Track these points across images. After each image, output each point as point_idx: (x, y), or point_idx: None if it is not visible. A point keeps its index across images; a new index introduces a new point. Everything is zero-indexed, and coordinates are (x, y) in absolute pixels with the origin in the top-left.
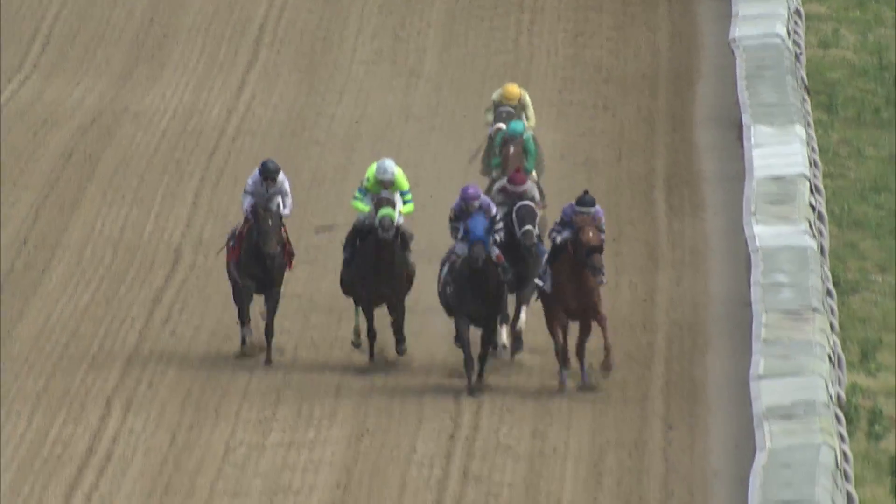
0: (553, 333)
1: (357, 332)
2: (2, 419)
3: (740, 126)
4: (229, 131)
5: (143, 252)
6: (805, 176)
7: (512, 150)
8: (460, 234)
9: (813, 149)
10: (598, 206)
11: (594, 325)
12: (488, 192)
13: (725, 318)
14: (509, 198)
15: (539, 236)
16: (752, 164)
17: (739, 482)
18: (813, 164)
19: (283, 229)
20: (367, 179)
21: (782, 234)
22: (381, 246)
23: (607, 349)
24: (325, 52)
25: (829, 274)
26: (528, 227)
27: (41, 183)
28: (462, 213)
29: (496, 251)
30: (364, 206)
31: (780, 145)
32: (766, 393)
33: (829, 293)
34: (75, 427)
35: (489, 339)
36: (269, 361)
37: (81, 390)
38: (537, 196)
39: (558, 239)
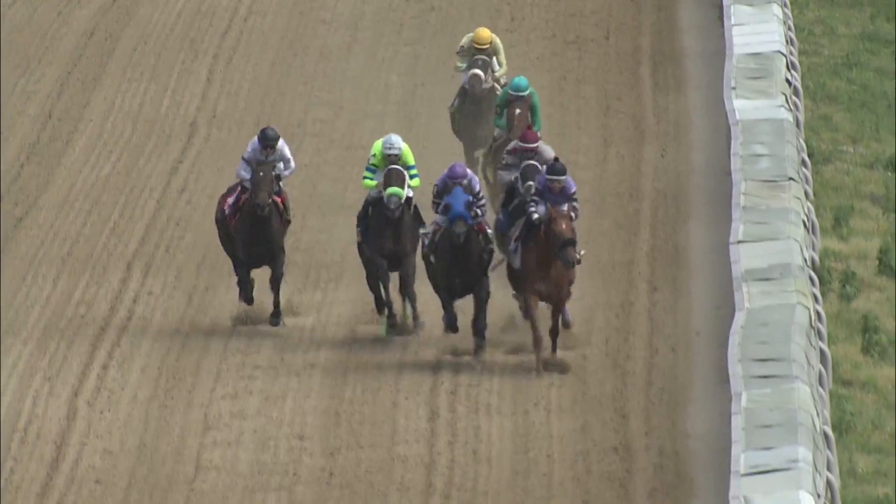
0: (526, 310)
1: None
2: (29, 282)
3: (721, 6)
4: (241, 11)
5: (160, 125)
6: (781, 53)
7: (518, 111)
8: (441, 208)
9: (789, 27)
10: (568, 176)
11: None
12: (477, 158)
13: (707, 187)
14: (521, 157)
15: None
16: (731, 41)
17: (719, 340)
18: (789, 41)
19: (282, 198)
20: (374, 156)
21: (760, 108)
22: (389, 218)
23: (555, 332)
24: None
25: (803, 145)
26: (531, 184)
27: (65, 60)
28: (446, 190)
29: (480, 220)
30: (373, 183)
31: (758, 24)
32: (745, 257)
33: (803, 163)
34: (98, 289)
35: (482, 301)
36: (276, 316)
37: (104, 255)
38: (550, 154)
39: (535, 216)
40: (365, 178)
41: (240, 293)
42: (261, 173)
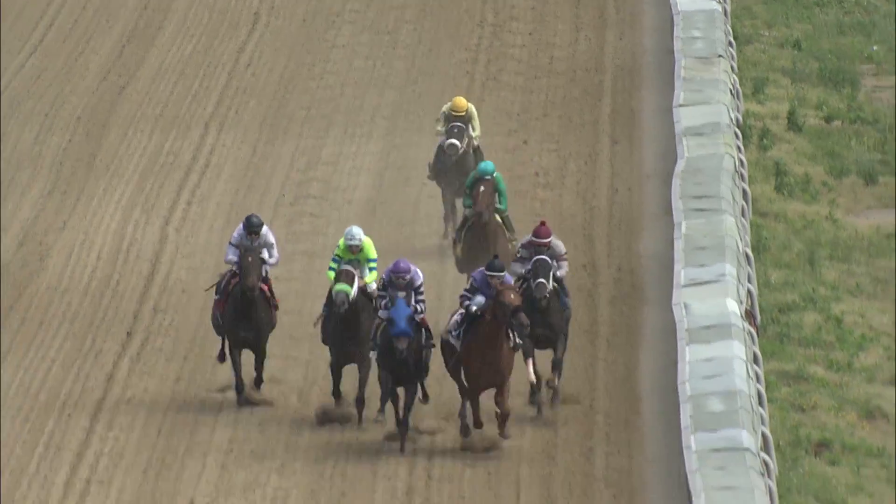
0: (455, 379)
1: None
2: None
3: None
4: None
5: (230, 14)
6: None
7: (483, 188)
8: (388, 314)
9: None
10: (506, 273)
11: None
12: (452, 205)
13: (655, 63)
14: (535, 251)
15: (564, 289)
16: None
17: (665, 182)
18: None
19: (268, 284)
20: (338, 247)
21: (696, 1)
22: (343, 314)
23: (503, 416)
24: None
25: (730, 30)
26: (541, 280)
27: None
28: (391, 284)
29: (420, 315)
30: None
31: None
32: (685, 117)
33: (730, 44)
34: (183, 142)
35: (410, 397)
36: (259, 381)
37: (187, 116)
38: (562, 248)
39: (473, 307)
40: (330, 268)
41: (235, 385)
42: (249, 258)
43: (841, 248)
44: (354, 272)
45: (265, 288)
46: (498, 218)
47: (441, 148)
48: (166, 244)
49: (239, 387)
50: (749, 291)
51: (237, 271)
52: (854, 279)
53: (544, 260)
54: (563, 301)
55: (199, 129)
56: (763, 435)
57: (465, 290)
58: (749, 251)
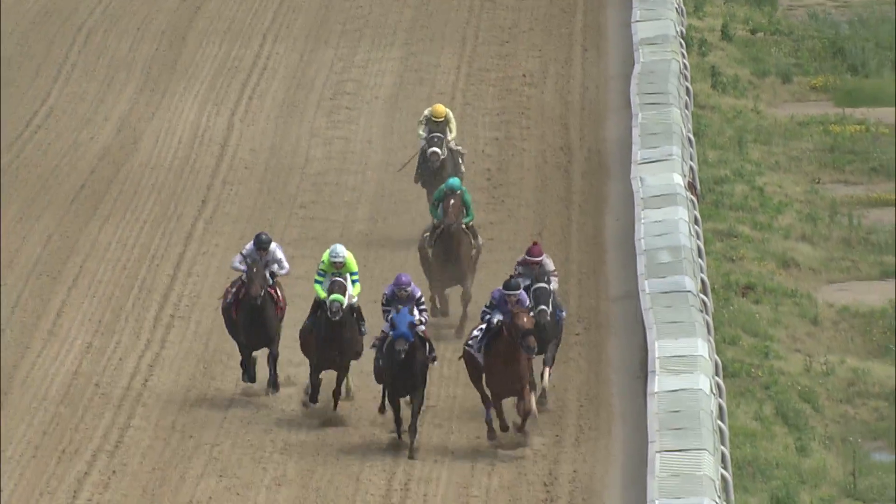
0: (478, 388)
1: (307, 391)
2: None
3: None
4: None
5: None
6: None
7: (452, 201)
8: (390, 316)
9: None
10: (521, 291)
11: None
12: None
13: None
14: (528, 268)
15: (557, 309)
16: None
17: (625, 81)
18: None
19: (275, 289)
20: (323, 262)
21: None
22: (332, 322)
23: (525, 413)
24: None
25: None
26: (543, 307)
27: None
28: (393, 299)
29: (422, 328)
30: (322, 292)
31: None
32: (641, 30)
33: None
34: (245, 50)
35: (417, 406)
36: (273, 387)
37: (249, 29)
38: (551, 265)
39: (494, 320)
40: (316, 281)
41: (243, 374)
42: (254, 269)
43: (763, 134)
44: (346, 284)
45: (273, 292)
46: (464, 227)
47: (424, 153)
48: (232, 131)
49: (251, 377)
50: (691, 168)
51: (246, 280)
52: (773, 157)
53: (544, 287)
54: (559, 315)
55: (258, 40)
56: (702, 280)
57: (486, 306)
58: (691, 136)
